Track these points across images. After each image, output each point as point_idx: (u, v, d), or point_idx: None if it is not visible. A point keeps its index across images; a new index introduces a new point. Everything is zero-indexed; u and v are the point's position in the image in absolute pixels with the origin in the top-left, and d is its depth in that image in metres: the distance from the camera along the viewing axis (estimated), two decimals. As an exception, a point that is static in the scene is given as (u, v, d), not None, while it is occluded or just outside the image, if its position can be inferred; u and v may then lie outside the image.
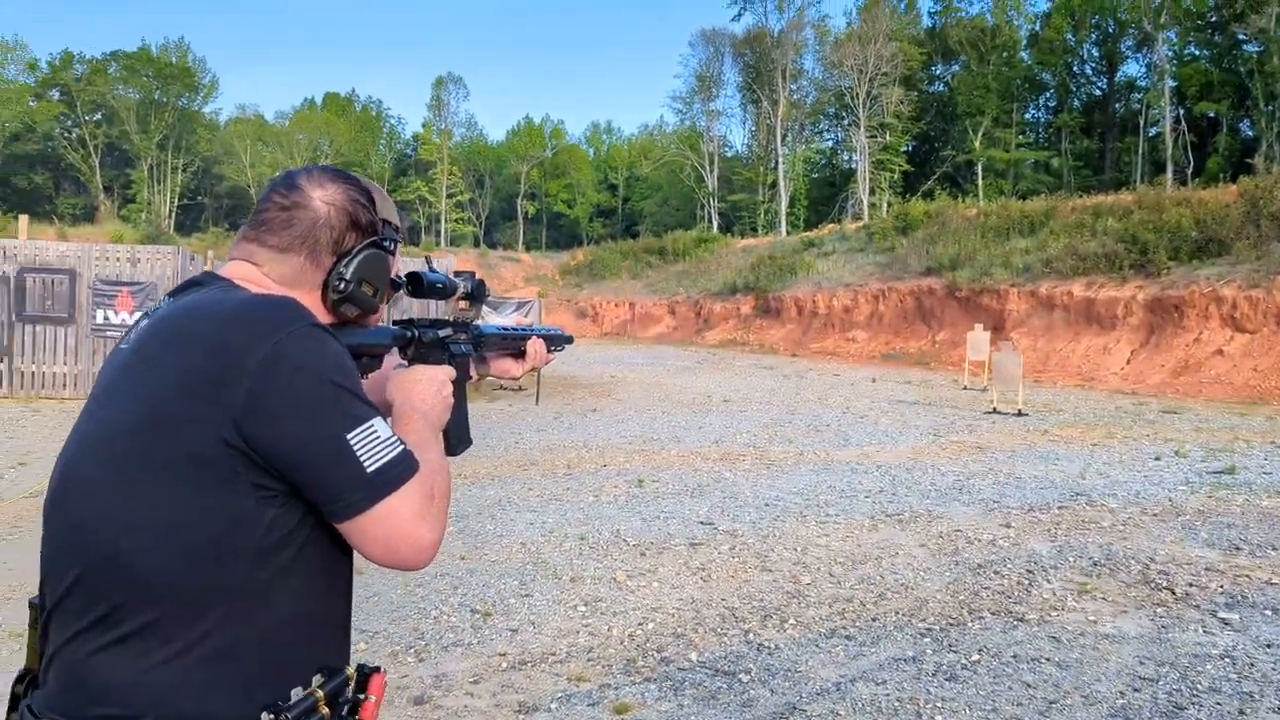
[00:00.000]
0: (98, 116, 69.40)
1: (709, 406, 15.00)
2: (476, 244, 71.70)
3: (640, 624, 4.81)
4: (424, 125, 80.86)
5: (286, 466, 1.14)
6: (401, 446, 1.20)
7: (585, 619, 4.88)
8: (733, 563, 5.94)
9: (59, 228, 47.28)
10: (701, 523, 6.96)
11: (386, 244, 1.38)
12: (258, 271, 1.30)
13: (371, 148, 79.56)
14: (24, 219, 15.50)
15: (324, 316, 1.31)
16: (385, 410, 1.43)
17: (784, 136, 63.32)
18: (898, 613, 5.03)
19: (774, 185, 63.62)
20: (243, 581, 1.14)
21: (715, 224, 64.75)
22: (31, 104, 67.52)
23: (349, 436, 1.15)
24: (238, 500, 1.13)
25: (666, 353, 30.94)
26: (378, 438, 1.17)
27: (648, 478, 8.62)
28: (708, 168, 67.48)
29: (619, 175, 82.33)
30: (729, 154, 72.18)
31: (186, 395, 1.13)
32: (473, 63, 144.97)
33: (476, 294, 1.65)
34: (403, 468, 1.19)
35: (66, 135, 69.38)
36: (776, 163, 62.36)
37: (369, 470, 1.15)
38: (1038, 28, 61.71)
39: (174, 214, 68.64)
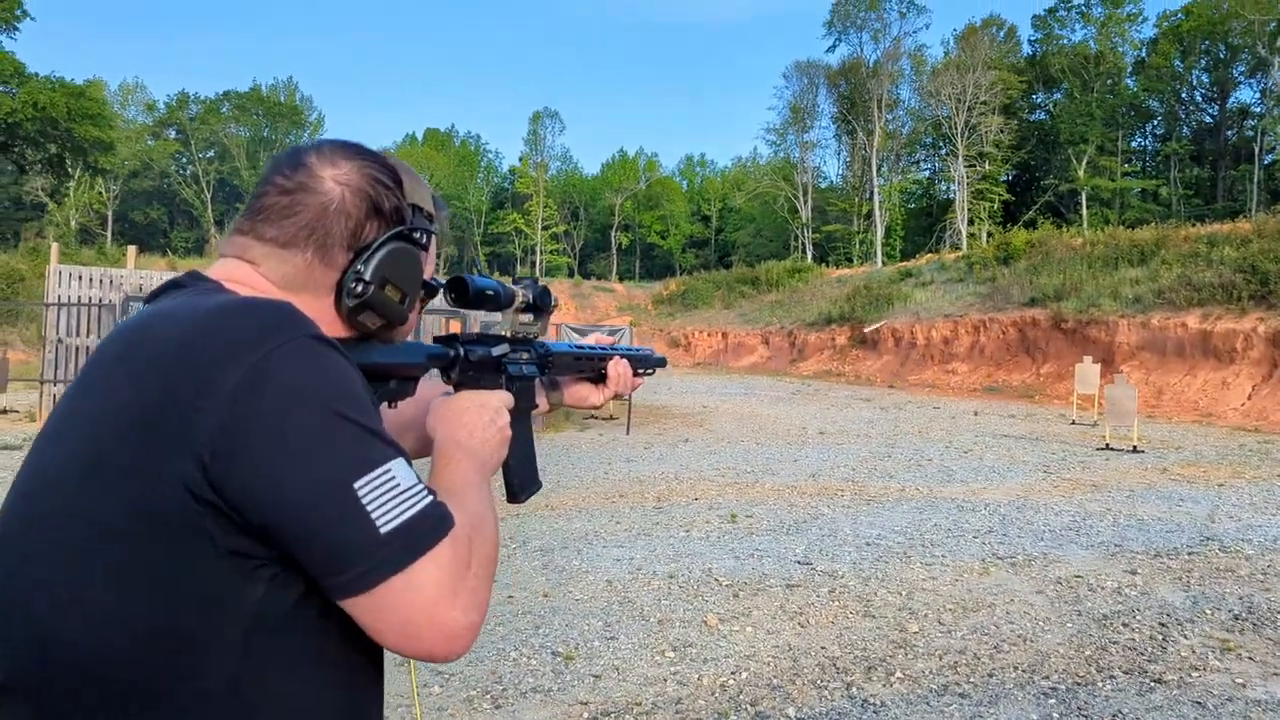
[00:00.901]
0: (210, 154, 72.49)
1: (804, 439, 14.54)
2: (571, 274, 72.31)
3: (733, 673, 4.47)
4: (521, 159, 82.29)
5: (271, 525, 0.85)
6: (428, 499, 0.91)
7: (673, 665, 4.56)
8: (832, 607, 5.54)
9: (170, 259, 49.21)
10: (798, 562, 6.57)
11: (417, 236, 1.10)
12: (252, 271, 1.03)
13: (470, 181, 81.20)
14: (132, 250, 15.95)
15: (338, 329, 1.05)
16: (424, 449, 1.21)
17: (879, 166, 62.49)
18: (1017, 668, 4.57)
19: (869, 215, 62.76)
20: (227, 681, 0.86)
21: (809, 254, 64.11)
22: (150, 143, 70.92)
23: (357, 485, 0.86)
24: (210, 573, 0.85)
25: (760, 383, 30.46)
26: (396, 487, 0.88)
27: (741, 512, 8.26)
28: (801, 198, 66.97)
29: (712, 207, 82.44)
30: (823, 185, 71.54)
31: (138, 431, 0.85)
32: (569, 97, 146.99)
33: (540, 304, 1.39)
34: (429, 526, 0.90)
35: (181, 172, 72.58)
36: (872, 193, 61.55)
37: (382, 530, 0.86)
38: (1144, 54, 59.80)
39: (281, 246, 70.88)
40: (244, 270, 1.03)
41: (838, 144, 70.73)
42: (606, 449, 12.87)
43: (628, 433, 14.74)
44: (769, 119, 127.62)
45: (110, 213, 65.71)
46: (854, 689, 4.30)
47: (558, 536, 7.22)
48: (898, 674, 4.50)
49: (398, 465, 0.90)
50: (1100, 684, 4.38)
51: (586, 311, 49.79)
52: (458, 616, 0.89)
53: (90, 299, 15.05)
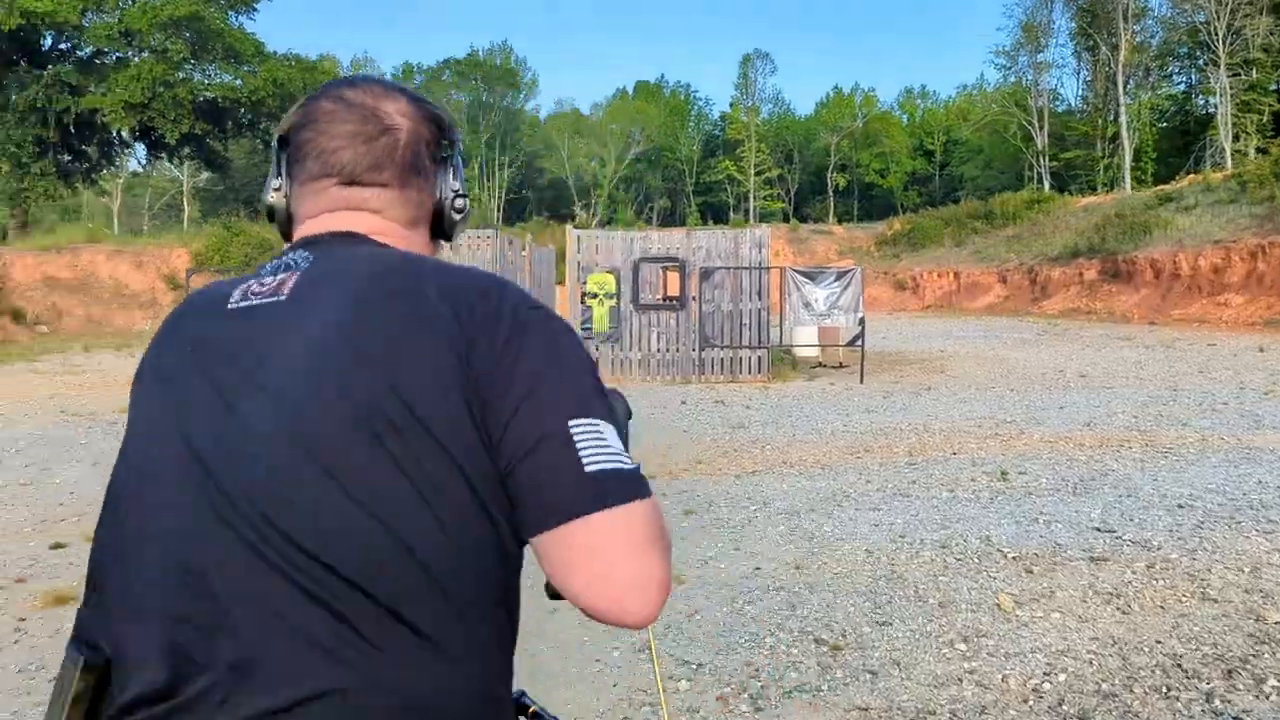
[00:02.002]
0: (436, 122, 75.43)
1: (1064, 383, 13.03)
2: (786, 219, 70.66)
3: (1045, 674, 3.57)
4: (731, 105, 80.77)
5: (506, 452, 0.88)
6: (634, 464, 0.90)
7: (967, 661, 3.70)
8: (1157, 587, 4.49)
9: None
10: (1097, 529, 5.49)
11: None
12: (382, 221, 1.05)
13: (681, 131, 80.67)
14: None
15: (428, 250, 1.12)
16: None
17: (1125, 83, 56.90)
18: None
19: (1115, 138, 57.38)
20: (495, 599, 0.91)
21: (1046, 184, 59.53)
22: (380, 115, 74.50)
23: (571, 424, 0.88)
24: (495, 498, 0.89)
25: (999, 325, 28.32)
26: (604, 440, 0.89)
27: (1011, 468, 7.19)
28: (1036, 125, 62.17)
29: (935, 141, 78.09)
30: (1059, 109, 66.11)
31: (428, 368, 0.89)
32: (778, 39, 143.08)
33: None
34: (635, 484, 0.88)
35: (409, 141, 75.92)
36: (1117, 113, 56.17)
37: (587, 470, 0.86)
38: None
39: (501, 208, 73.15)
40: (374, 221, 1.05)
41: (1076, 63, 65.12)
42: (841, 399, 11.94)
43: (861, 381, 13.73)
44: (997, 40, 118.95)
45: (348, 184, 69.81)
46: (1217, 700, 3.31)
47: (802, 497, 6.45)
48: (1271, 681, 3.46)
49: (607, 427, 0.91)
50: None
51: (805, 256, 48.18)
52: (656, 571, 0.86)
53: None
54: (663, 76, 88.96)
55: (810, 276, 14.15)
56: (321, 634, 0.82)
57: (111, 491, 0.96)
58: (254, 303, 0.95)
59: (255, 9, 33.33)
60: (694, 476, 7.22)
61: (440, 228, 1.11)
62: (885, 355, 17.97)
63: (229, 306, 0.96)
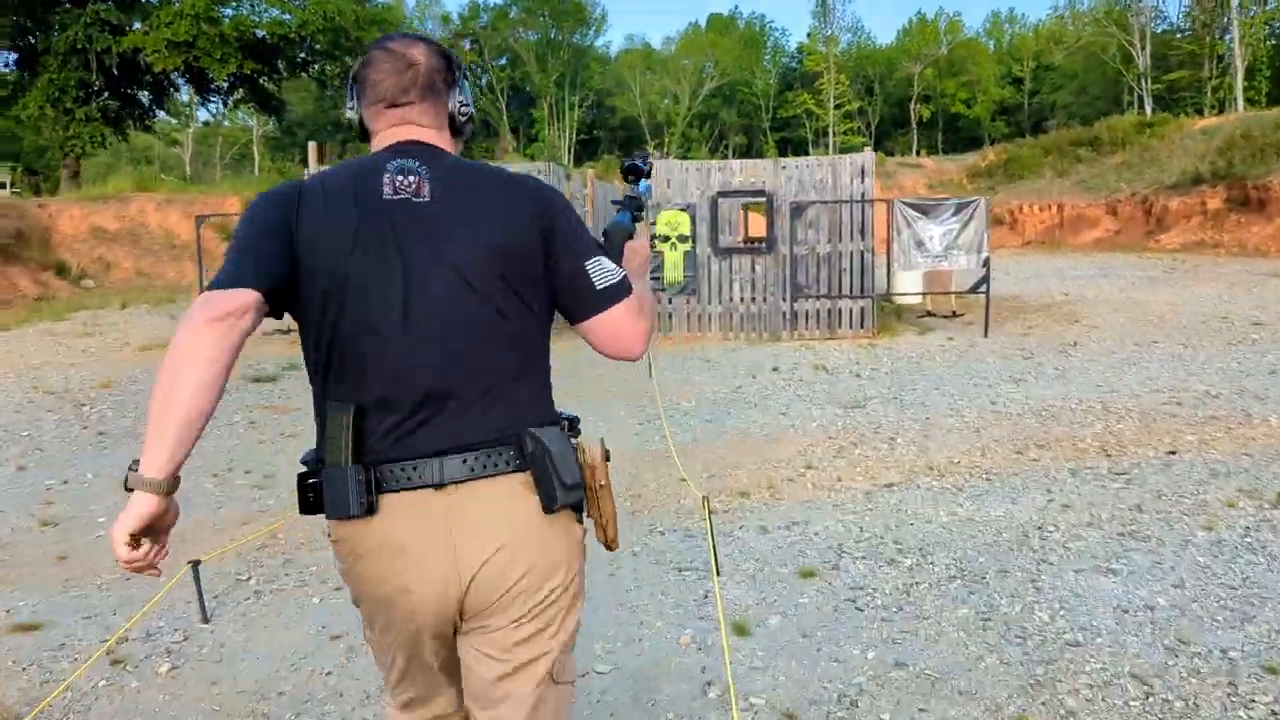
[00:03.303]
0: (503, 61, 73.21)
1: (1241, 334, 10.53)
2: (868, 155, 67.10)
3: None
4: (809, 35, 76.88)
5: (559, 272, 1.62)
6: (622, 274, 1.66)
7: None
8: None
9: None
10: None
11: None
12: (436, 135, 1.66)
13: (756, 64, 77.13)
14: (312, 147, 14.27)
15: (454, 149, 1.71)
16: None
17: (1241, -7, 51.93)
18: None
19: (1222, 57, 52.65)
20: (545, 368, 1.67)
21: (1149, 108, 55.07)
22: (448, 56, 72.53)
23: (586, 263, 1.62)
24: (548, 303, 1.64)
25: (1114, 262, 25.34)
26: (604, 267, 1.64)
27: (1275, 481, 4.92)
28: (1138, 44, 57.50)
29: (1024, 68, 73.30)
30: (1158, 29, 61.03)
31: (528, 231, 1.59)
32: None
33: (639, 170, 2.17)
34: (623, 289, 1.64)
35: (478, 83, 73.97)
36: (1229, 29, 51.40)
37: (598, 287, 1.61)
38: None
39: (572, 148, 70.84)
40: (418, 130, 1.64)
41: (1181, -25, 59.84)
42: (972, 361, 9.65)
43: (986, 334, 11.41)
44: None
45: (415, 128, 68.16)
46: None
47: (974, 539, 4.29)
48: None
49: (603, 260, 1.64)
50: None
51: (893, 191, 44.89)
52: (642, 330, 1.65)
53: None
54: (736, 7, 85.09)
55: (924, 210, 11.69)
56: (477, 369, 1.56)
57: (344, 316, 1.52)
58: (409, 198, 1.55)
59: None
60: (805, 495, 5.12)
61: (456, 128, 1.70)
62: (1001, 301, 15.50)
63: (385, 198, 1.54)
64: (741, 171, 12.14)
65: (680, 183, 12.07)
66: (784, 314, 11.92)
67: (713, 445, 6.33)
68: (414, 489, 1.49)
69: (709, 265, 12.02)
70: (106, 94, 30.29)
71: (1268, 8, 54.59)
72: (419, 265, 1.51)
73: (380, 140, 1.62)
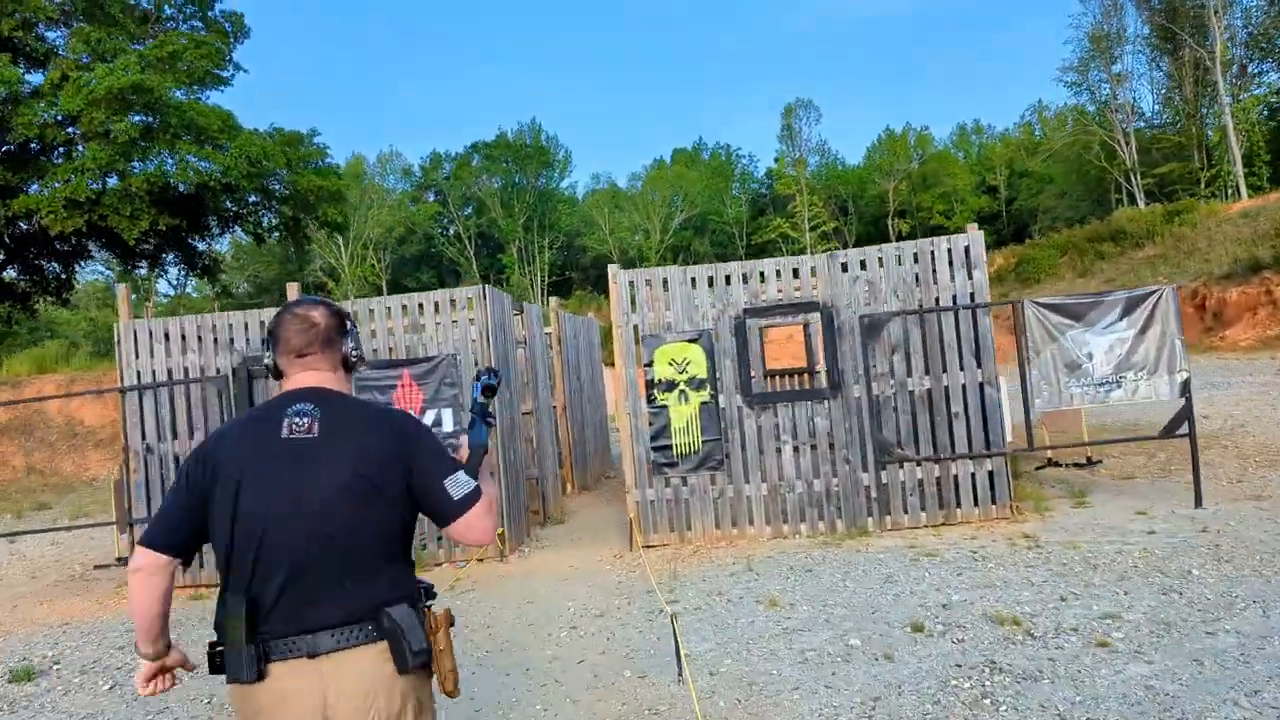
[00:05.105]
0: (468, 211, 70.94)
1: None
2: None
3: None
4: (776, 159, 75.06)
5: (419, 491, 2.20)
6: (475, 485, 2.22)
7: None
8: None
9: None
10: None
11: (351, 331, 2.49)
12: (321, 373, 2.30)
13: (726, 193, 75.04)
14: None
15: (348, 388, 2.37)
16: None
17: (1226, 77, 50.01)
18: None
19: (1205, 145, 50.35)
20: (406, 556, 2.23)
21: (1141, 203, 52.43)
22: (411, 207, 70.10)
23: (444, 481, 2.20)
24: (409, 510, 2.21)
25: (1200, 366, 21.33)
26: (458, 481, 2.20)
27: None
28: (1122, 141, 55.39)
29: (998, 175, 71.39)
30: (1138, 125, 59.13)
31: (389, 462, 2.19)
32: (820, 90, 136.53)
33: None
34: (474, 495, 2.20)
35: (444, 233, 71.35)
36: (1206, 118, 49.24)
37: (455, 499, 2.18)
38: None
39: (545, 290, 67.69)
40: (320, 375, 2.30)
41: (1149, 70, 58.25)
42: (1237, 577, 5.35)
43: (1198, 503, 7.17)
44: (1063, 56, 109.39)
45: (384, 282, 64.96)
46: None
47: None
48: None
49: (456, 474, 2.21)
50: None
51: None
52: (489, 525, 2.21)
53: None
54: (700, 139, 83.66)
55: (1074, 314, 7.47)
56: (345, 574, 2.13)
57: (238, 523, 2.11)
58: (302, 437, 2.15)
59: (226, 84, 28.18)
60: None
61: (349, 367, 2.37)
62: (1107, 428, 11.32)
63: (283, 437, 2.15)
64: (779, 276, 8.02)
65: (684, 300, 7.95)
66: (865, 489, 7.63)
67: None
68: (294, 658, 2.10)
69: (739, 423, 7.80)
70: (7, 266, 26.48)
71: (1255, 92, 52.64)
72: (305, 484, 2.11)
73: (290, 382, 2.30)
